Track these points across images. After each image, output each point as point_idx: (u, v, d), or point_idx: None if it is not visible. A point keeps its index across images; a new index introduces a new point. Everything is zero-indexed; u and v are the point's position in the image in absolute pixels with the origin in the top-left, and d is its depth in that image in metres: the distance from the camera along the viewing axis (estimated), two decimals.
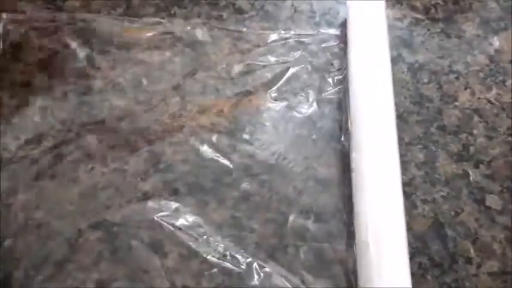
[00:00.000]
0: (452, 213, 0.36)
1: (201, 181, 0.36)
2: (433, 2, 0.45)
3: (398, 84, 0.41)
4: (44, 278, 0.33)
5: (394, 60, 0.41)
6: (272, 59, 0.42)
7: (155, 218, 0.35)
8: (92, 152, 0.37)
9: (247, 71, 0.41)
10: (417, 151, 0.38)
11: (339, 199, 0.36)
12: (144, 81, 0.40)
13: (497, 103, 0.40)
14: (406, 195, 0.36)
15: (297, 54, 0.42)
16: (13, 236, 0.34)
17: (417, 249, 0.34)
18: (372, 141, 0.36)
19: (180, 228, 0.35)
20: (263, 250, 0.34)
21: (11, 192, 0.35)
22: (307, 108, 0.40)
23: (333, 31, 0.43)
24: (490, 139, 0.39)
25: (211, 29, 0.43)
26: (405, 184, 0.36)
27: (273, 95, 0.40)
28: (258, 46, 0.43)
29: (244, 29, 0.43)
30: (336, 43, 0.43)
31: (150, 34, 0.43)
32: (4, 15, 0.43)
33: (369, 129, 0.36)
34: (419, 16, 0.45)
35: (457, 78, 0.42)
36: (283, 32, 0.43)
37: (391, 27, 0.43)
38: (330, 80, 0.41)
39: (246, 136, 0.38)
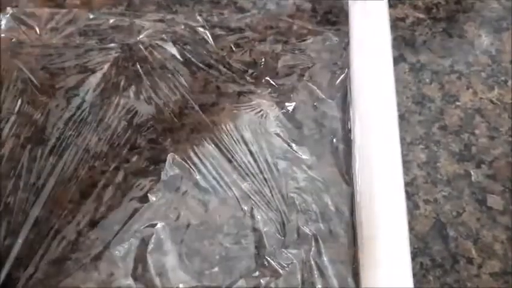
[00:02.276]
0: (454, 213, 0.36)
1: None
2: (435, 2, 0.45)
3: (400, 84, 0.41)
4: (44, 276, 0.33)
5: (396, 60, 0.41)
6: (274, 58, 0.42)
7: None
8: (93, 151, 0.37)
9: (249, 70, 0.41)
10: (419, 151, 0.38)
11: (340, 199, 0.36)
12: (144, 78, 0.40)
13: (499, 103, 0.40)
14: (408, 195, 0.36)
15: (299, 53, 0.42)
16: (13, 235, 0.34)
17: (419, 249, 0.34)
18: (374, 141, 0.36)
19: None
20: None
21: (11, 191, 0.35)
22: (309, 108, 0.40)
23: (335, 30, 0.43)
24: (492, 139, 0.39)
25: (213, 27, 0.43)
26: (407, 184, 0.36)
27: (275, 93, 0.40)
28: (259, 44, 0.43)
29: (245, 28, 0.43)
30: (337, 42, 0.43)
31: (151, 32, 0.43)
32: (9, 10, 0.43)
33: (370, 129, 0.36)
34: (421, 16, 0.45)
35: (459, 78, 0.42)
36: (285, 31, 0.43)
37: (393, 27, 0.43)
38: (331, 79, 0.41)
39: (247, 135, 0.38)
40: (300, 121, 0.39)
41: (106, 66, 0.41)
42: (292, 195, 0.36)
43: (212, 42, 0.42)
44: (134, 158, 0.37)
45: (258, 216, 0.35)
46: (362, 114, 0.37)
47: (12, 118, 0.38)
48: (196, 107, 0.39)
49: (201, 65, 0.41)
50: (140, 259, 0.33)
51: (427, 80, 0.41)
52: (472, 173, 0.37)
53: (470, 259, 0.34)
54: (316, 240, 0.34)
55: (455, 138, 0.39)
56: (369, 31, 0.41)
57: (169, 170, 0.37)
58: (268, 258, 0.34)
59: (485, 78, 0.42)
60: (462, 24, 0.44)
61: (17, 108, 0.39)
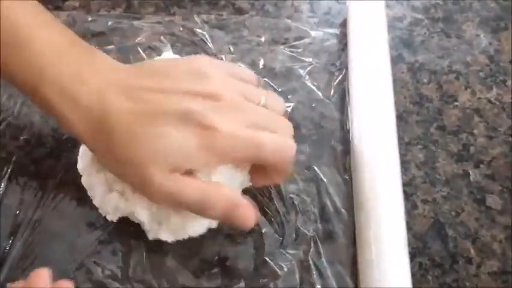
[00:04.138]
0: (453, 213, 0.36)
1: None
2: (432, 2, 0.45)
3: (398, 84, 0.41)
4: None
5: (394, 60, 0.41)
6: (272, 58, 0.42)
7: None
8: None
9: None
10: (417, 151, 0.38)
11: (339, 199, 0.36)
12: None
13: (497, 103, 0.40)
14: (407, 196, 0.36)
15: (297, 54, 0.42)
16: (13, 236, 0.34)
17: (417, 249, 0.34)
18: (372, 141, 0.36)
19: None
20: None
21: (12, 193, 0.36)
22: (307, 108, 0.40)
23: (333, 31, 0.43)
24: (490, 139, 0.39)
25: (211, 29, 0.43)
26: (405, 184, 0.36)
27: (274, 94, 0.40)
28: (258, 46, 0.43)
29: (244, 29, 0.43)
30: (336, 43, 0.43)
31: (149, 34, 0.43)
32: None
33: (369, 129, 0.36)
34: (419, 16, 0.45)
35: (457, 78, 0.42)
36: (283, 32, 0.43)
37: (391, 27, 0.43)
38: (330, 79, 0.41)
39: None
40: (299, 122, 0.39)
41: None
42: (291, 195, 0.36)
43: (211, 44, 0.42)
44: None
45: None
46: (360, 115, 0.37)
47: (12, 120, 0.38)
48: None
49: None
50: (139, 260, 0.33)
51: (425, 80, 0.41)
52: (471, 173, 0.37)
53: (469, 259, 0.34)
54: (315, 241, 0.34)
55: (454, 138, 0.39)
56: (366, 32, 0.41)
57: None
58: (267, 259, 0.34)
59: (483, 78, 0.42)
60: (460, 24, 0.44)
61: (16, 110, 0.39)
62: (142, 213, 0.31)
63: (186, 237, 0.32)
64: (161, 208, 0.31)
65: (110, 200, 0.32)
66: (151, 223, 0.32)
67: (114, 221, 0.33)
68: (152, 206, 0.31)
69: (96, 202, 0.33)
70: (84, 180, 0.33)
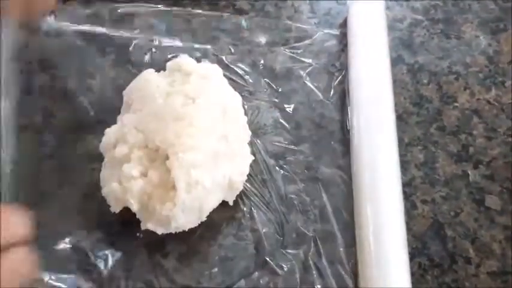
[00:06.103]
0: (452, 213, 0.36)
1: None
2: (432, 3, 0.45)
3: (398, 85, 0.41)
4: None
5: (394, 61, 0.42)
6: (273, 59, 0.42)
7: None
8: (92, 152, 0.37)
9: (248, 72, 0.41)
10: (417, 152, 0.38)
11: (339, 200, 0.36)
12: None
13: (496, 104, 0.40)
14: (406, 196, 0.36)
15: (297, 55, 0.42)
16: None
17: (417, 249, 0.35)
18: (372, 142, 0.36)
19: None
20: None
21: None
22: (307, 109, 0.40)
23: (333, 31, 0.43)
24: (490, 140, 0.39)
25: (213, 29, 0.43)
26: (405, 184, 0.36)
27: (273, 95, 0.40)
28: (258, 46, 0.43)
29: (244, 30, 0.43)
30: (336, 43, 0.43)
31: (149, 35, 0.43)
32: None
33: (368, 130, 0.37)
34: (419, 17, 0.45)
35: (456, 79, 0.42)
36: (283, 33, 0.43)
37: (390, 28, 0.43)
38: (330, 80, 0.41)
39: None
40: (299, 122, 0.39)
41: (105, 68, 0.41)
42: (291, 196, 0.36)
43: (212, 44, 0.42)
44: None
45: (257, 217, 0.35)
46: (360, 115, 0.37)
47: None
48: None
49: None
50: (140, 259, 0.34)
51: (425, 81, 0.42)
52: (470, 174, 0.38)
53: (468, 259, 0.34)
54: (315, 241, 0.34)
55: (453, 138, 0.39)
56: (366, 32, 0.41)
57: None
58: (267, 259, 0.34)
59: (482, 79, 0.42)
60: (460, 26, 0.44)
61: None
62: (132, 202, 0.31)
63: (173, 231, 0.32)
64: (151, 198, 0.31)
65: (111, 191, 0.32)
66: (141, 212, 0.32)
67: (117, 212, 0.33)
68: (143, 196, 0.31)
69: (103, 193, 0.34)
70: (101, 173, 0.34)
